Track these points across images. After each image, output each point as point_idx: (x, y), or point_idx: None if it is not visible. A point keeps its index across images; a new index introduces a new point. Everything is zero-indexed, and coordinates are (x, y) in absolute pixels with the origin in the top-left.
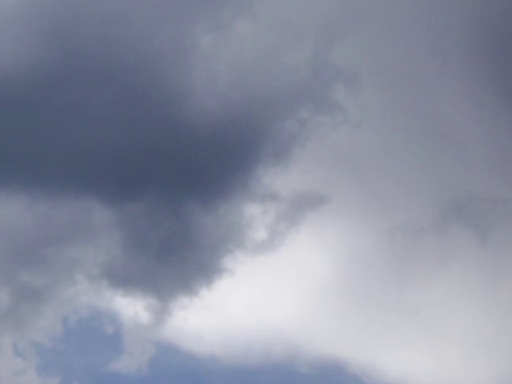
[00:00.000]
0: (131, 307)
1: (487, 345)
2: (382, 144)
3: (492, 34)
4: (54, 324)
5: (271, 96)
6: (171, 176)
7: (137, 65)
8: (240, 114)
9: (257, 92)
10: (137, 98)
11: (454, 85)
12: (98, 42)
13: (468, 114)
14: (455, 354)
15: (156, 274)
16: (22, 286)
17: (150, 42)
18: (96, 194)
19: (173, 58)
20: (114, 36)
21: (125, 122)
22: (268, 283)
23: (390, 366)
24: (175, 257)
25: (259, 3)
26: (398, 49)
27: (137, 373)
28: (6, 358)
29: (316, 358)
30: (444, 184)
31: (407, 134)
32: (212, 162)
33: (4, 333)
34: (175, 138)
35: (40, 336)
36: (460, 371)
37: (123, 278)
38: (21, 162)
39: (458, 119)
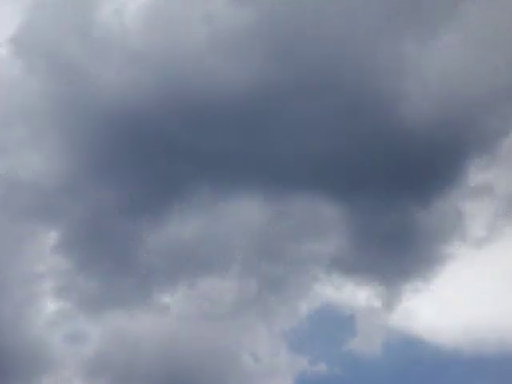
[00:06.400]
0: (362, 293)
1: None
2: None
3: None
4: (295, 310)
5: (477, 98)
6: (391, 174)
7: (355, 76)
8: (450, 115)
9: (464, 95)
10: (356, 105)
11: None
12: (321, 58)
13: None
14: None
15: (382, 263)
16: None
17: (366, 55)
18: (323, 193)
19: (387, 68)
20: (334, 51)
21: (347, 126)
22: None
23: None
24: (398, 248)
25: (466, 11)
26: None
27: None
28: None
29: None
30: None
31: None
32: (427, 160)
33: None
34: (393, 140)
35: (285, 320)
36: None
37: (353, 268)
38: (257, 166)
39: None
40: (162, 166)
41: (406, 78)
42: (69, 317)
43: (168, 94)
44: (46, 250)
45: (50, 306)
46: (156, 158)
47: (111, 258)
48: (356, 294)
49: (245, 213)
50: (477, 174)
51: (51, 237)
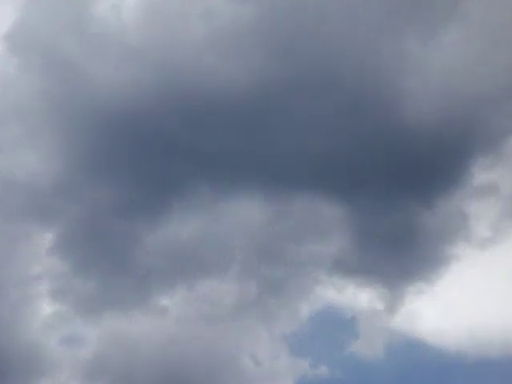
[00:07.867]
0: (364, 295)
1: None
2: None
3: None
4: (296, 312)
5: (480, 96)
6: (393, 173)
7: (356, 74)
8: (453, 114)
9: (467, 93)
10: (358, 103)
11: None
12: (322, 56)
13: None
14: None
15: (384, 265)
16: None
17: (368, 53)
18: (324, 193)
19: (388, 66)
20: (335, 49)
21: (348, 125)
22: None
23: None
24: (401, 249)
25: (467, 10)
26: None
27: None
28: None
29: None
30: None
31: None
32: (430, 159)
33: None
34: (395, 139)
35: (285, 323)
36: None
37: (354, 269)
38: (257, 166)
39: None
40: (160, 166)
41: (407, 77)
42: (65, 319)
43: (167, 92)
44: (41, 252)
45: (47, 308)
46: (155, 157)
47: (109, 259)
48: (358, 296)
49: (245, 213)
50: (481, 174)
51: (47, 238)
